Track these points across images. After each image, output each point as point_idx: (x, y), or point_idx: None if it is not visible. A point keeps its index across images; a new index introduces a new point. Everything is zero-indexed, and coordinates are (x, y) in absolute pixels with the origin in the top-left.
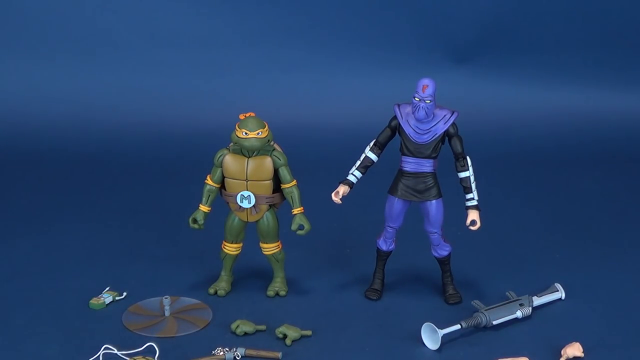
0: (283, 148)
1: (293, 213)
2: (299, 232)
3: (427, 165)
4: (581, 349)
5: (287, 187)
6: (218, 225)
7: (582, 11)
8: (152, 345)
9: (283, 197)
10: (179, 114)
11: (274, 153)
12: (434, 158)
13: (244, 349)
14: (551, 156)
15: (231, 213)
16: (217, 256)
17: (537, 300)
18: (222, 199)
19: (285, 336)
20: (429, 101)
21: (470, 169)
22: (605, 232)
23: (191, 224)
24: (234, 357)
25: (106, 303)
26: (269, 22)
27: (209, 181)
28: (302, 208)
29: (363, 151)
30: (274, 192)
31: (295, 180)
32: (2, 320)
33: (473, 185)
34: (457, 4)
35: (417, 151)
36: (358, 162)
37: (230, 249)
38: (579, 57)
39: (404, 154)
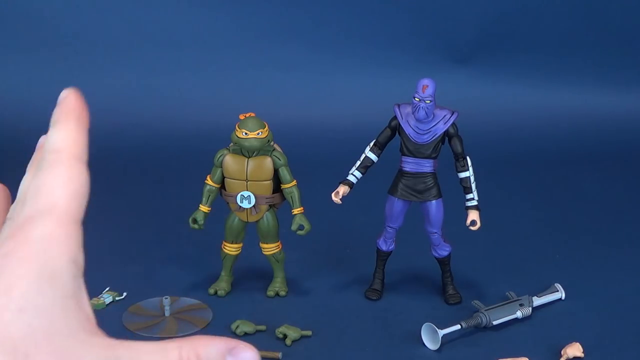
0: (283, 148)
1: (293, 213)
2: (299, 232)
3: (427, 166)
4: (581, 349)
5: (287, 187)
6: (218, 225)
7: (583, 11)
8: None
9: (283, 198)
10: (179, 114)
11: (274, 153)
12: (434, 158)
13: None
14: (552, 156)
15: (231, 213)
16: (217, 256)
17: (537, 301)
18: (222, 199)
19: (285, 336)
20: (429, 101)
21: (470, 169)
22: (605, 232)
23: (191, 224)
24: None
25: (106, 303)
26: (269, 22)
27: (208, 181)
28: (302, 208)
29: (363, 151)
30: (274, 193)
31: (295, 181)
32: None
33: (473, 186)
34: (457, 3)
35: (417, 151)
36: (358, 163)
37: (230, 249)
38: (580, 57)
39: (404, 154)
